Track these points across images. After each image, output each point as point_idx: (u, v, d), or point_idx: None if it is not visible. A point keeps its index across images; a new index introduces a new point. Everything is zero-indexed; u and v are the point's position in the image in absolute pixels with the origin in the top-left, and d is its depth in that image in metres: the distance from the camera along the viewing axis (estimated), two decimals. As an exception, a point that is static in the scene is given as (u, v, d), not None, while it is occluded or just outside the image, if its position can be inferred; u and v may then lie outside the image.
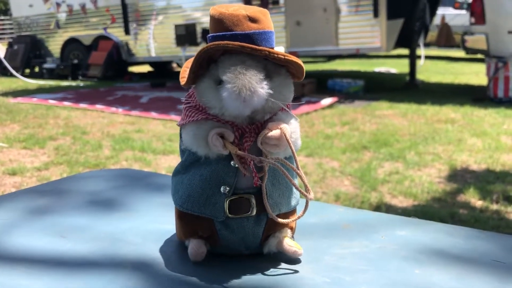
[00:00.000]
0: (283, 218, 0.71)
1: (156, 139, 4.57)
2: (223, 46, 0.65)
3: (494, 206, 2.88)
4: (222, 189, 0.69)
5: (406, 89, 7.34)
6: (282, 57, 0.66)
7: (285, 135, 0.66)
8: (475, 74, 8.77)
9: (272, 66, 0.68)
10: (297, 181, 0.71)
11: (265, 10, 0.70)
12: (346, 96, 6.78)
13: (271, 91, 0.66)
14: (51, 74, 10.06)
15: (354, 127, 4.93)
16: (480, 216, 2.75)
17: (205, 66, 0.68)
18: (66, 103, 6.64)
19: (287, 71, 0.69)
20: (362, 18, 7.03)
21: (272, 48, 0.68)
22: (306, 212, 0.70)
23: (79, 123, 5.36)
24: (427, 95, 6.62)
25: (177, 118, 5.67)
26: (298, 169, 0.68)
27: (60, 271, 0.69)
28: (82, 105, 6.44)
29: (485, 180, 3.31)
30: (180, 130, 0.73)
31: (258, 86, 0.64)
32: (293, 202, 0.73)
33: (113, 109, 6.16)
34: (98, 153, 4.15)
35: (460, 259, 0.70)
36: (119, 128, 5.11)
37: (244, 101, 0.63)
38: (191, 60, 0.72)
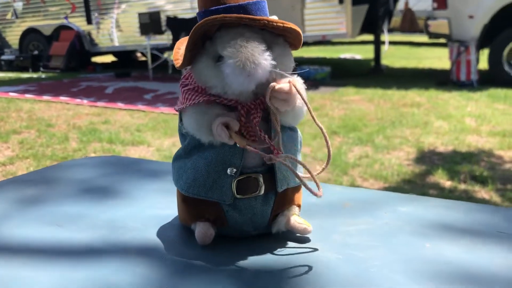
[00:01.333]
0: (292, 194, 0.70)
1: (123, 130, 4.48)
2: (220, 19, 0.62)
3: (462, 186, 2.96)
4: (228, 171, 0.66)
5: (372, 74, 7.43)
6: (281, 25, 0.63)
7: (295, 86, 0.64)
8: (438, 59, 8.95)
9: (270, 36, 0.65)
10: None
11: None
12: (313, 82, 6.82)
13: (273, 62, 0.63)
14: (10, 66, 9.71)
15: (323, 113, 4.96)
16: (449, 196, 2.82)
17: (200, 44, 0.65)
18: (28, 96, 6.43)
19: (284, 40, 0.67)
20: (327, 5, 7.05)
21: (268, 17, 0.66)
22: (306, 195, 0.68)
23: (43, 116, 5.21)
24: (392, 80, 6.73)
25: (144, 108, 5.59)
26: (327, 142, 0.66)
27: (63, 260, 0.66)
28: (45, 97, 6.25)
29: (452, 161, 3.39)
30: (180, 114, 0.70)
31: (261, 58, 0.61)
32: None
33: (78, 100, 6.01)
34: (65, 145, 4.04)
35: (465, 232, 0.71)
36: (85, 119, 4.99)
37: (249, 75, 0.60)
38: (182, 41, 0.69)
